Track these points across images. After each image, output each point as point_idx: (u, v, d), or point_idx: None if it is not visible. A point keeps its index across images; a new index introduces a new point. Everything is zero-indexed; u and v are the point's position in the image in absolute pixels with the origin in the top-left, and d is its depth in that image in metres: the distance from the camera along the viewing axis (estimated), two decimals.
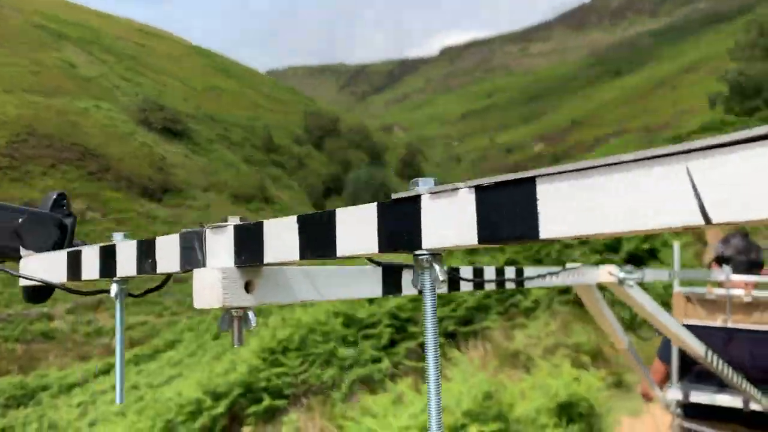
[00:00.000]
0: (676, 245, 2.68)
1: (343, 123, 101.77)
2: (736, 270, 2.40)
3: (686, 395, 2.21)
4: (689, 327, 2.17)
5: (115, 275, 0.78)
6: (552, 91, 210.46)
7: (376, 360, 8.34)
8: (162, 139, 58.51)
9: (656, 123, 76.97)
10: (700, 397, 2.20)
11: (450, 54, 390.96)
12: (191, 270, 0.68)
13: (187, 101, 73.05)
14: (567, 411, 4.33)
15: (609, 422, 5.05)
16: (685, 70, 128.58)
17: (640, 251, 9.55)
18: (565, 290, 9.00)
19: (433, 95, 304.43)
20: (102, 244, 0.80)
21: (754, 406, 2.05)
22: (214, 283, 0.63)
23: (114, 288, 0.85)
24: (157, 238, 0.73)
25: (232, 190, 56.26)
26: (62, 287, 0.88)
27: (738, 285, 2.36)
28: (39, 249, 0.97)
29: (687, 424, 2.36)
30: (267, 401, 8.28)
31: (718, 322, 2.30)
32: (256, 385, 8.57)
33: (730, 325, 2.25)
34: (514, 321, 8.55)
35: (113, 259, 0.78)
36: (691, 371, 2.29)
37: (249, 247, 0.64)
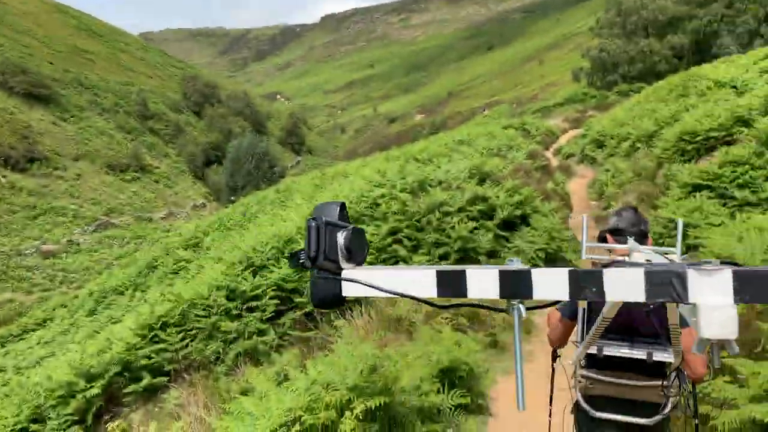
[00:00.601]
0: (585, 217, 2.76)
1: (224, 90, 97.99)
2: (628, 240, 2.54)
3: (600, 349, 2.42)
4: None
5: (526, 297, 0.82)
6: (430, 62, 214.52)
7: (261, 332, 8.25)
8: (25, 105, 53.60)
9: (526, 95, 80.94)
10: (610, 349, 2.41)
11: (332, 22, 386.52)
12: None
13: (54, 65, 67.00)
14: (448, 376, 4.54)
15: (486, 383, 5.35)
16: (551, 45, 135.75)
17: (513, 218, 10.09)
18: (445, 256, 9.35)
19: (316, 64, 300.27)
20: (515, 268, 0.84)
21: (657, 357, 2.34)
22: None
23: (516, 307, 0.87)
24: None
25: (105, 160, 52.90)
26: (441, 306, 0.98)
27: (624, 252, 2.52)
28: (358, 263, 1.00)
29: (587, 373, 2.56)
30: (147, 379, 7.98)
31: None
32: (134, 363, 8.21)
33: None
34: None
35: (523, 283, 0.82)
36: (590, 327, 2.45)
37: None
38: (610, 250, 2.48)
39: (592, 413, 2.54)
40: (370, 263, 9.00)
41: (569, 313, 2.70)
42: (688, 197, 10.80)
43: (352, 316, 8.27)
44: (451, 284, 0.85)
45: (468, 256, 9.38)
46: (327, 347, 7.91)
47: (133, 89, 74.68)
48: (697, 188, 11.01)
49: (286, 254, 9.21)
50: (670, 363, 2.39)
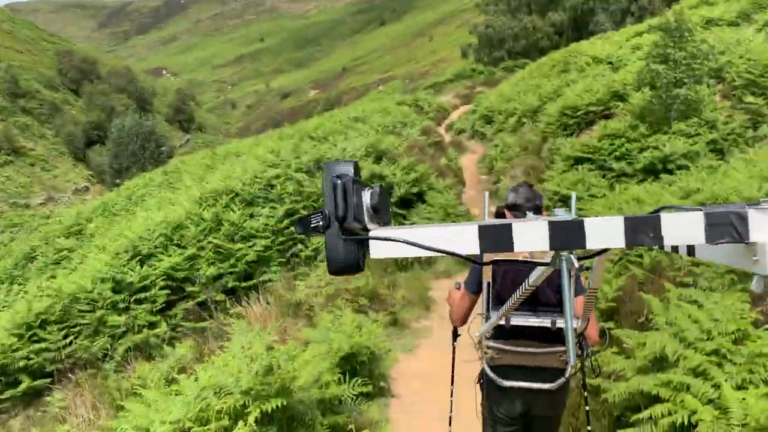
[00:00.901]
0: (486, 194, 2.84)
1: (104, 66, 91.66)
2: (526, 215, 2.69)
3: (507, 320, 2.51)
4: (500, 262, 2.54)
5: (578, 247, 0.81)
6: (323, 36, 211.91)
7: (152, 325, 7.84)
8: None
9: (418, 70, 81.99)
10: (518, 319, 2.51)
11: None
12: None
13: None
14: (350, 362, 4.48)
15: (388, 362, 5.36)
16: (439, 21, 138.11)
17: (409, 195, 10.18)
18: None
19: (203, 38, 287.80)
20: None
21: (560, 324, 2.46)
22: None
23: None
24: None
25: None
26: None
27: None
28: (385, 223, 0.95)
29: (494, 344, 2.65)
30: (26, 383, 7.37)
31: (520, 257, 2.62)
32: (11, 366, 7.56)
33: (530, 259, 2.57)
34: (296, 271, 8.59)
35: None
36: (497, 299, 2.60)
37: None
38: None
39: (500, 382, 2.64)
40: (267, 247, 8.77)
41: (474, 287, 2.78)
42: (571, 170, 11.36)
43: (248, 303, 8.04)
44: (496, 238, 0.82)
45: None
46: (224, 336, 7.66)
47: (0, 65, 68.34)
48: (579, 161, 11.60)
49: (175, 241, 8.78)
50: (574, 329, 2.42)
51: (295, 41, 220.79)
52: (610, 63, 18.39)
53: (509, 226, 0.81)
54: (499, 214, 2.86)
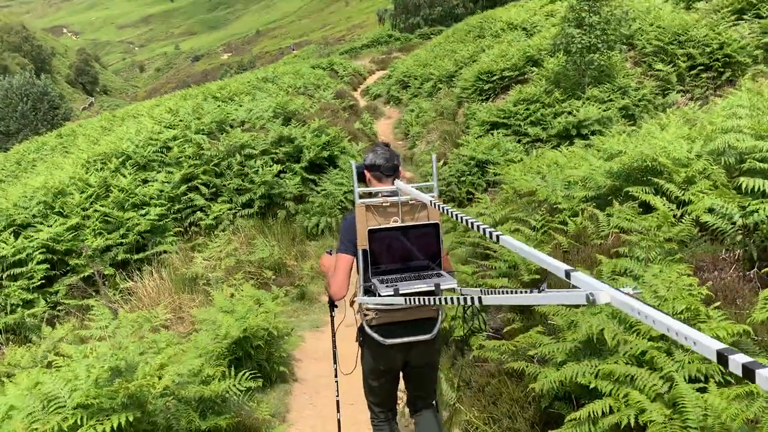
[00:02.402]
0: (353, 162, 2.98)
1: None
2: (385, 173, 2.88)
3: (396, 290, 2.48)
4: (374, 230, 2.66)
5: None
6: None
7: (29, 303, 6.94)
8: None
9: (333, 35, 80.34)
10: (406, 288, 2.48)
11: None
12: None
13: None
14: (243, 346, 3.93)
15: (291, 343, 4.84)
16: None
17: (320, 160, 9.59)
18: (249, 204, 8.61)
19: None
20: None
21: (444, 285, 2.50)
22: None
23: None
24: None
25: None
26: None
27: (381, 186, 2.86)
28: None
29: (375, 306, 2.71)
30: None
31: (391, 222, 2.75)
32: None
33: (401, 224, 2.75)
34: (194, 242, 7.87)
35: None
36: (375, 265, 2.70)
37: None
38: (373, 192, 2.83)
39: (382, 341, 2.71)
40: (162, 215, 7.98)
41: (351, 250, 2.82)
42: (487, 135, 11.12)
43: (141, 278, 7.28)
44: None
45: (273, 202, 8.75)
46: (115, 314, 6.89)
47: None
48: (494, 126, 11.39)
49: (56, 210, 7.82)
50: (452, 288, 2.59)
51: (207, 2, 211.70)
52: (525, 29, 18.33)
53: None
54: (359, 174, 2.93)
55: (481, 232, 1.85)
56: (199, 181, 8.49)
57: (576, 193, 4.77)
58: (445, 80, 17.36)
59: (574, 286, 1.30)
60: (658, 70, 11.54)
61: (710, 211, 3.47)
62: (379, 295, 2.52)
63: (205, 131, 9.60)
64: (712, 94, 10.83)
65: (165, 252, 7.59)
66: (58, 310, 7.02)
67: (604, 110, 10.43)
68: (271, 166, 8.90)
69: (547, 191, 5.01)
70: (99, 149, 9.02)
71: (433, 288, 2.47)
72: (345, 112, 15.70)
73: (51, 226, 7.55)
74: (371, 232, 2.64)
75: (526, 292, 1.96)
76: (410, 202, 2.76)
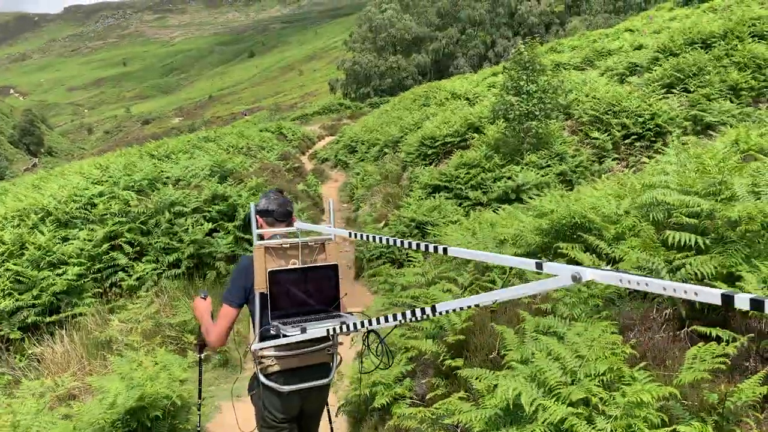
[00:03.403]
0: (252, 205, 2.95)
1: None
2: (278, 219, 2.86)
3: (304, 329, 2.45)
4: (275, 272, 2.62)
5: None
6: (190, 65, 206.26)
7: None
8: None
9: (286, 102, 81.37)
10: (314, 330, 2.44)
11: (76, 14, 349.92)
12: None
13: None
14: (138, 416, 3.49)
15: (206, 412, 4.39)
16: (310, 57, 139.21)
17: None
18: (176, 264, 8.16)
19: (59, 58, 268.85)
20: None
21: (330, 326, 2.45)
22: None
23: None
24: None
25: None
26: None
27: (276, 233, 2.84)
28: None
29: (270, 353, 2.67)
30: None
31: (290, 264, 2.72)
32: None
33: (300, 265, 2.72)
34: (113, 303, 7.34)
35: None
36: (275, 307, 2.64)
37: None
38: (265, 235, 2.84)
39: (280, 388, 2.68)
40: (81, 275, 7.45)
41: (241, 300, 2.76)
42: (429, 197, 11.08)
43: (53, 342, 6.69)
44: None
45: (203, 262, 8.34)
46: (17, 384, 6.26)
47: None
48: (436, 189, 11.38)
49: None
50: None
51: (160, 67, 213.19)
52: (468, 99, 18.83)
53: None
54: (249, 221, 3.18)
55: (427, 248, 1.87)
56: (124, 239, 8.03)
57: (506, 250, 4.62)
58: (390, 145, 17.50)
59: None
60: (594, 138, 11.86)
61: (638, 267, 3.34)
62: (284, 336, 2.47)
63: (134, 188, 9.20)
64: (646, 161, 11.16)
65: (81, 314, 7.03)
66: None
67: (543, 175, 10.57)
68: (202, 225, 8.53)
69: (480, 246, 4.85)
70: (18, 205, 8.49)
71: (339, 326, 2.43)
72: (289, 174, 15.53)
73: None
74: (272, 273, 2.59)
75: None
76: (309, 244, 2.76)
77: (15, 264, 7.27)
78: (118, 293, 7.64)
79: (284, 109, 66.65)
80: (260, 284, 2.62)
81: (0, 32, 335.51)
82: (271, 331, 2.56)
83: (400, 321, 1.93)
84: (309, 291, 2.67)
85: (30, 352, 6.66)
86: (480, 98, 17.62)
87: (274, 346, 2.64)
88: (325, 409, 3.07)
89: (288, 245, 2.72)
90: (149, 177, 9.58)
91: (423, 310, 1.80)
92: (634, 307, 3.14)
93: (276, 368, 2.68)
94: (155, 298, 7.40)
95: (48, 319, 7.03)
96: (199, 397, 3.34)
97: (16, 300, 7.00)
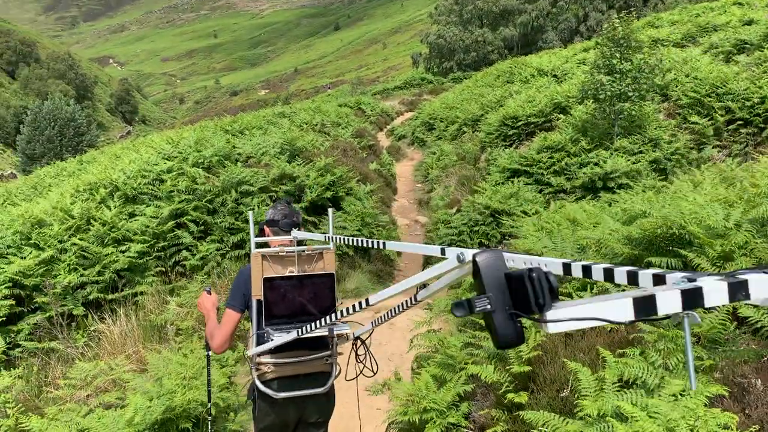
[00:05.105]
0: (251, 213, 3.01)
1: (44, 50, 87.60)
2: (283, 228, 2.86)
3: (268, 335, 2.48)
4: (270, 279, 2.64)
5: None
6: (277, 37, 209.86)
7: None
8: None
9: (369, 76, 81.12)
10: (289, 335, 2.41)
11: None
12: None
13: None
14: (166, 428, 3.20)
15: (238, 423, 4.08)
16: (394, 30, 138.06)
17: (322, 200, 8.97)
18: (240, 244, 7.99)
19: (154, 29, 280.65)
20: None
21: (337, 330, 2.50)
22: None
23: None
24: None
25: None
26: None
27: (284, 243, 2.82)
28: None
29: (267, 359, 2.68)
30: None
31: (287, 272, 2.73)
32: None
33: (297, 273, 2.73)
34: (174, 284, 7.25)
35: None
36: (269, 314, 2.64)
37: None
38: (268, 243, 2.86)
39: (275, 395, 2.67)
40: (144, 253, 7.40)
41: (242, 305, 2.77)
42: (507, 182, 10.42)
43: (114, 320, 6.66)
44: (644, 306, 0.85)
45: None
46: (73, 361, 6.27)
47: None
48: (515, 173, 10.68)
49: (32, 241, 7.30)
50: (341, 335, 2.69)
51: (249, 40, 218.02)
52: (555, 76, 17.74)
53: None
54: (260, 230, 2.97)
55: (369, 245, 1.81)
56: (189, 217, 7.92)
57: (588, 260, 4.01)
58: (470, 124, 16.79)
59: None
60: (693, 123, 10.76)
61: None
62: (271, 340, 2.47)
63: (204, 164, 9.08)
64: (752, 150, 10.00)
65: (141, 293, 6.97)
66: (15, 351, 6.41)
67: (634, 163, 9.66)
68: (268, 205, 8.30)
69: (556, 255, 4.27)
70: (90, 178, 8.56)
71: (327, 332, 2.41)
72: (363, 152, 15.16)
73: (24, 258, 7.02)
74: (266, 280, 2.61)
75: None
76: (306, 252, 2.77)
77: (81, 239, 7.29)
78: (181, 273, 7.55)
79: (366, 83, 66.43)
80: (257, 291, 2.65)
81: (102, 5, 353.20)
82: (264, 337, 2.58)
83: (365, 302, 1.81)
84: (304, 299, 2.68)
85: (92, 329, 6.66)
86: (568, 76, 16.52)
87: (271, 353, 2.65)
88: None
89: (285, 253, 2.73)
90: (220, 153, 9.44)
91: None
92: (745, 354, 2.50)
93: (272, 375, 2.69)
94: (216, 279, 7.25)
95: (110, 297, 7.01)
96: (209, 400, 3.17)
97: (81, 275, 7.02)
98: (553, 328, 0.90)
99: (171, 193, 8.15)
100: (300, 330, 2.26)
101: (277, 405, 2.71)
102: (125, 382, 4.28)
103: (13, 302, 6.62)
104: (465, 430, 3.25)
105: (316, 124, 15.67)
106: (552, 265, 1.01)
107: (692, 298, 0.84)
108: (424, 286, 1.60)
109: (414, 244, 1.58)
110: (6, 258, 7.11)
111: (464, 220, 9.20)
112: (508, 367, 3.15)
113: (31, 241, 7.32)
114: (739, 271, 0.87)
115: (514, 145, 13.07)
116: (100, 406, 4.56)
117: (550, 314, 0.90)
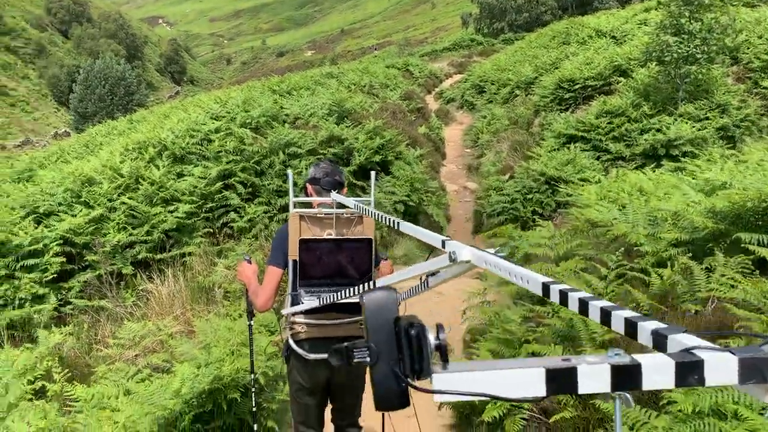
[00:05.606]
0: (290, 174, 2.96)
1: (96, 9, 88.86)
2: (326, 187, 2.78)
3: (324, 299, 2.33)
4: (306, 241, 2.58)
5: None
6: None
7: (39, 298, 6.43)
8: None
9: (416, 37, 79.61)
10: (309, 298, 2.49)
11: None
12: None
13: None
14: (213, 398, 3.08)
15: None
16: None
17: (371, 164, 8.74)
18: (287, 208, 7.87)
19: None
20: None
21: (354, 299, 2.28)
22: None
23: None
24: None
25: None
26: None
27: (325, 203, 2.73)
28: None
29: (300, 319, 2.66)
30: None
31: (325, 234, 2.67)
32: None
33: (335, 236, 2.67)
34: (222, 245, 7.18)
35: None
36: (304, 275, 2.59)
37: None
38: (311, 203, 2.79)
39: (306, 355, 2.66)
40: (192, 213, 7.34)
41: (283, 262, 2.70)
42: (562, 148, 9.98)
43: (162, 281, 6.65)
44: (562, 382, 0.74)
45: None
46: (122, 320, 6.29)
47: None
48: (571, 139, 10.21)
49: (83, 199, 7.32)
50: None
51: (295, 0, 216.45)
52: (614, 37, 16.88)
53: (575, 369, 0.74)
54: (303, 188, 2.94)
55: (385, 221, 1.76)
56: (237, 179, 7.82)
57: (664, 233, 3.67)
58: (522, 87, 16.19)
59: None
60: (765, 88, 10.06)
61: None
62: (301, 303, 2.49)
63: (251, 125, 8.94)
64: None
65: (189, 254, 6.93)
66: (66, 308, 6.47)
67: (699, 129, 9.09)
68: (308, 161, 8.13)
69: (627, 227, 3.94)
70: (139, 137, 8.53)
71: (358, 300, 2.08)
72: (411, 115, 14.80)
73: (75, 216, 7.05)
74: (303, 242, 2.56)
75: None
76: (346, 216, 2.70)
77: (130, 198, 7.27)
78: (228, 234, 7.49)
79: (414, 44, 65.21)
80: (293, 252, 2.60)
81: None
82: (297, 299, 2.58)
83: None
84: (341, 263, 2.61)
85: (140, 288, 6.67)
86: (628, 37, 15.68)
87: (304, 314, 2.63)
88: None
89: (323, 215, 2.65)
90: (267, 114, 9.28)
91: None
92: None
93: (305, 335, 2.67)
94: (264, 242, 7.16)
95: (158, 257, 7.00)
96: (252, 371, 3.12)
97: (130, 234, 7.02)
98: (438, 398, 0.80)
99: (219, 153, 8.05)
100: (326, 298, 2.20)
101: (309, 365, 2.70)
102: (173, 348, 4.20)
103: (64, 260, 6.67)
104: (528, 412, 3.04)
105: (365, 86, 15.35)
106: (532, 282, 0.93)
107: (625, 377, 0.73)
108: (433, 274, 1.49)
109: (422, 230, 1.50)
110: (57, 215, 7.16)
111: (518, 188, 8.86)
112: (580, 349, 2.90)
113: (82, 199, 7.34)
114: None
115: (570, 110, 12.52)
116: (148, 366, 4.53)
117: (436, 380, 0.78)
